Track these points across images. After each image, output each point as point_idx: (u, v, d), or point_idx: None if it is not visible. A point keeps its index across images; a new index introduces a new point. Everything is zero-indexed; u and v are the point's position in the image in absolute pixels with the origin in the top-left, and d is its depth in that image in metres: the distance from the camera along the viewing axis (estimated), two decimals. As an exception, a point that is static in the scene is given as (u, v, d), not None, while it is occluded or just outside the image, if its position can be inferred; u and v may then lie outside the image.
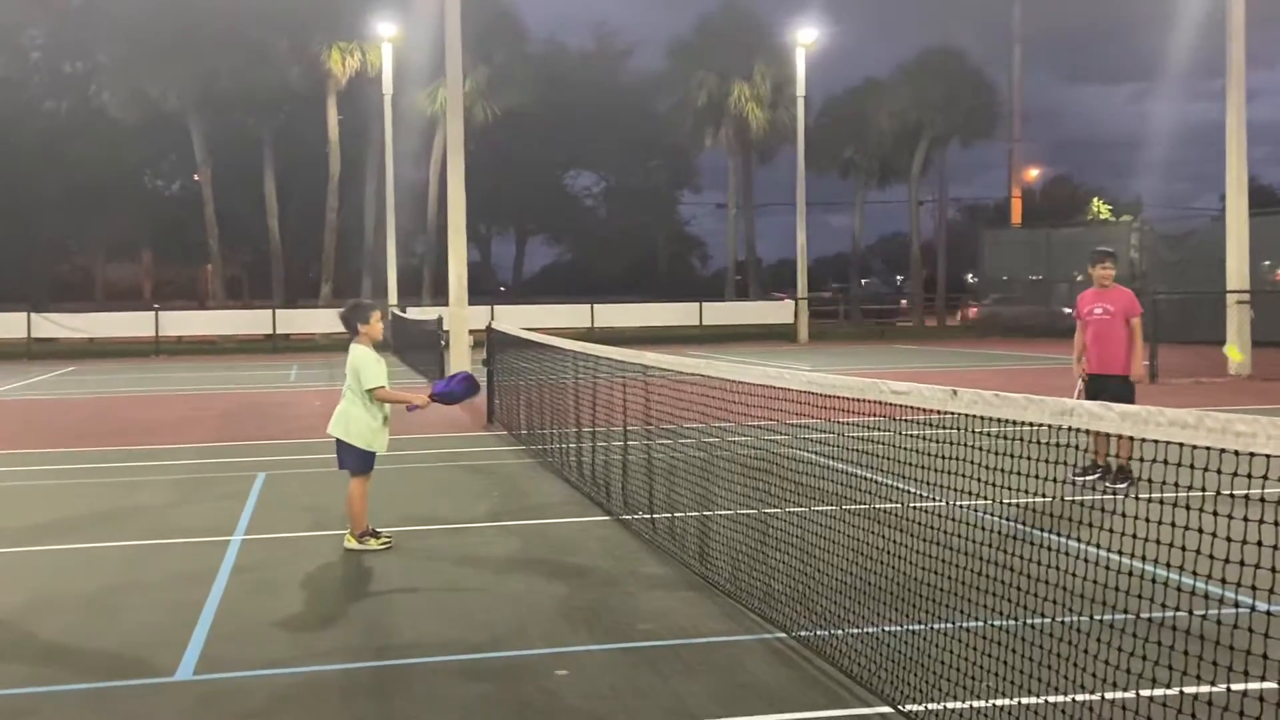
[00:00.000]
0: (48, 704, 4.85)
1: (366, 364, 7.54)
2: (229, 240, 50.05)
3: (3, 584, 6.88)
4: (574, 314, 39.72)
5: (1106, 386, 9.22)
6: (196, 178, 47.32)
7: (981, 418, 4.06)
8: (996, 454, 4.44)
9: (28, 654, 5.51)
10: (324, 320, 37.02)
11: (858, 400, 4.96)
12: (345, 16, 40.19)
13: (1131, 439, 3.94)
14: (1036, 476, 4.22)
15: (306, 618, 6.12)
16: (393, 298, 37.14)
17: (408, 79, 40.02)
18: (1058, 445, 4.09)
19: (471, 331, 19.34)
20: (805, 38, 39.71)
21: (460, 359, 18.74)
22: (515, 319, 29.33)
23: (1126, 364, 9.45)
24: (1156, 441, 3.20)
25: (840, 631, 5.20)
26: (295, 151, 47.70)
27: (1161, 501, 3.45)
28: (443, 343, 19.80)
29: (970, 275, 57.40)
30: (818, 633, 5.32)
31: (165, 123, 44.59)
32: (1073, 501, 4.61)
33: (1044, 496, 4.30)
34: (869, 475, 5.78)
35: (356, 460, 7.55)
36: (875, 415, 5.12)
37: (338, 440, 7.59)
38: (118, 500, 9.76)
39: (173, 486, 10.46)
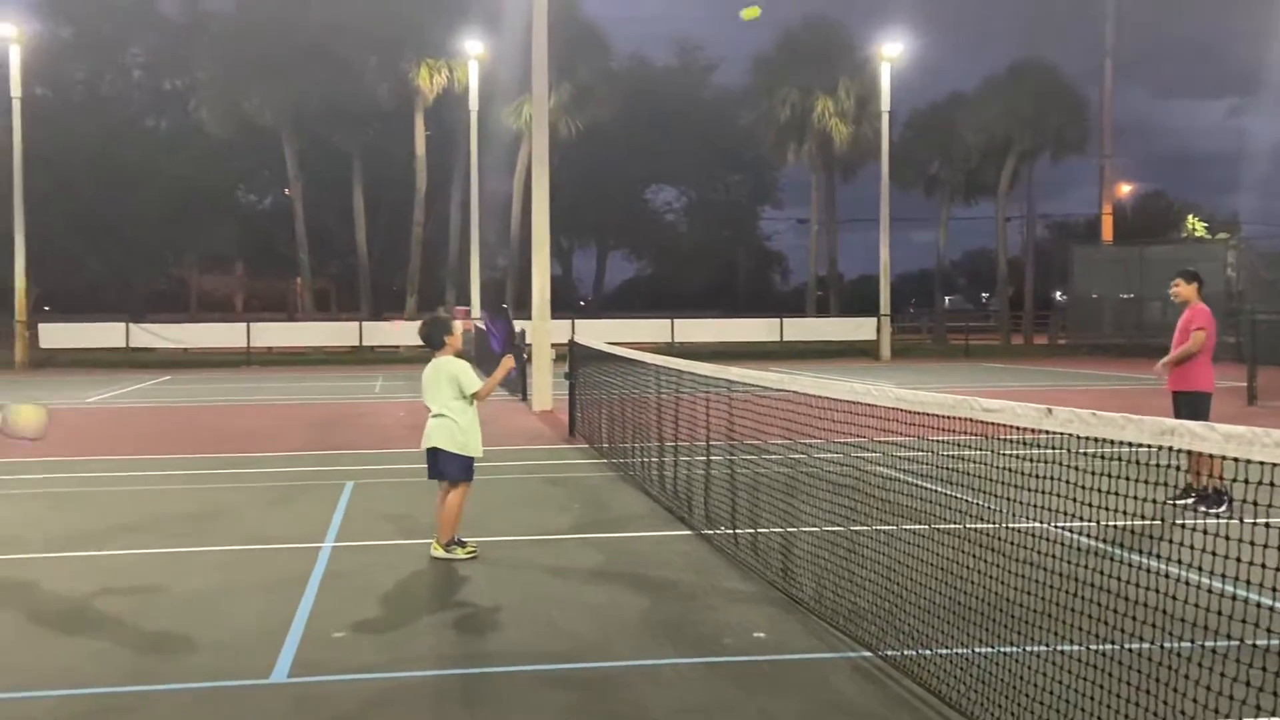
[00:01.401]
0: (148, 702, 4.99)
1: (465, 371, 7.71)
2: (318, 254, 51.07)
3: (106, 585, 7.08)
4: (654, 328, 39.78)
5: (1176, 403, 9.16)
6: (288, 192, 48.37)
7: (1077, 437, 3.99)
8: (1093, 474, 4.36)
9: (129, 653, 5.66)
10: (409, 332, 37.55)
11: (947, 418, 4.91)
12: (433, 34, 40.85)
13: (1222, 459, 3.85)
14: (1135, 497, 4.14)
15: (396, 624, 6.20)
16: (475, 311, 37.55)
17: (493, 94, 40.52)
18: (1157, 466, 4.01)
19: (553, 345, 19.47)
20: (890, 52, 39.40)
21: (543, 372, 18.88)
22: (596, 333, 29.44)
23: (1196, 381, 9.30)
24: (1262, 464, 3.12)
25: (929, 652, 5.14)
26: (383, 167, 48.50)
27: (1267, 525, 3.36)
28: (524, 355, 19.96)
29: (1059, 293, 56.39)
30: (905, 652, 5.26)
31: (259, 139, 45.67)
32: (1173, 524, 4.48)
33: (1143, 518, 4.21)
34: (959, 494, 5.72)
35: (461, 469, 7.68)
36: (965, 433, 5.06)
37: (437, 452, 7.65)
38: (213, 506, 10.00)
39: (265, 493, 10.68)
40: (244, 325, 38.64)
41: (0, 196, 37.07)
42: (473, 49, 38.11)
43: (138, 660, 5.54)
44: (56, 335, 37.18)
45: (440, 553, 7.61)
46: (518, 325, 22.63)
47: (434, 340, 7.84)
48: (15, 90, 34.60)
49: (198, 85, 46.35)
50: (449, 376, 7.68)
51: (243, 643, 5.78)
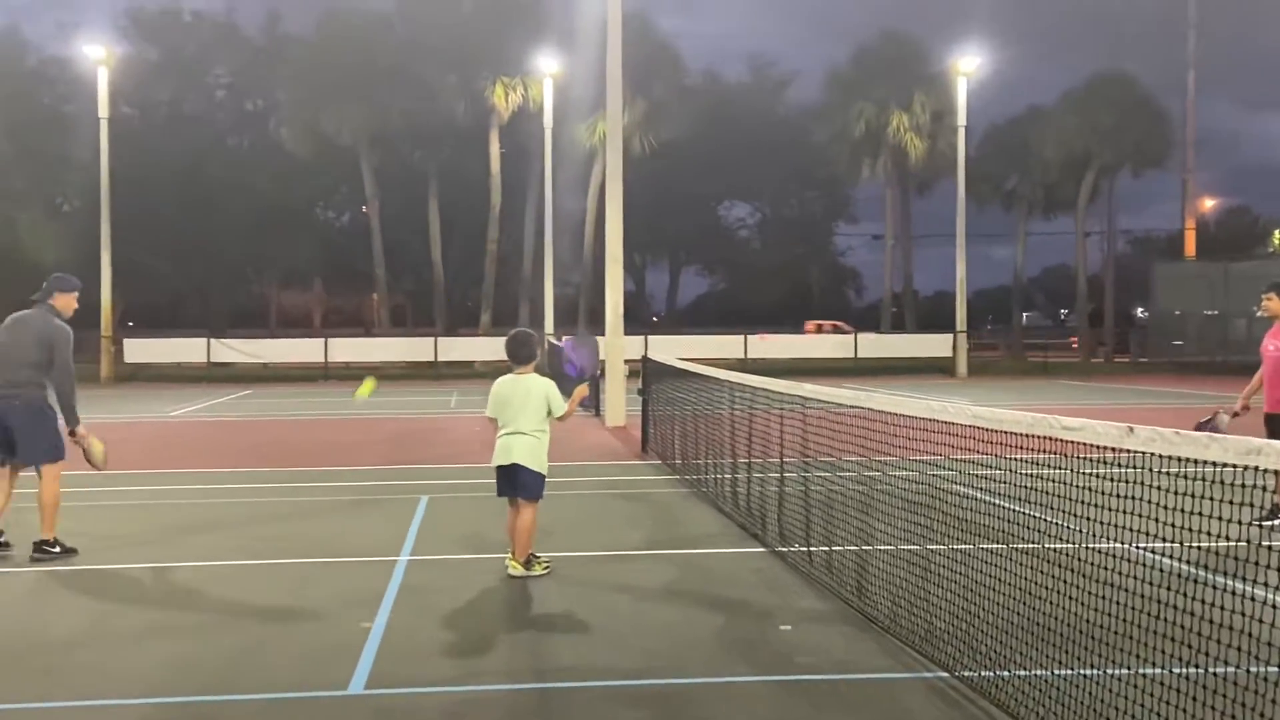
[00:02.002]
0: (228, 711, 5.09)
1: (555, 390, 7.76)
2: (394, 270, 51.84)
3: (187, 596, 7.25)
4: (727, 344, 39.72)
5: (1271, 426, 8.89)
6: (365, 210, 49.17)
7: (1161, 456, 3.92)
8: (1176, 494, 4.27)
9: (210, 663, 5.77)
10: (483, 348, 37.95)
11: (1026, 436, 4.85)
12: (509, 53, 41.31)
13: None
14: (1219, 518, 4.05)
15: (470, 638, 6.26)
16: (549, 326, 37.79)
17: (567, 111, 40.84)
18: (1242, 486, 3.93)
19: (626, 361, 19.53)
20: (966, 65, 39.01)
21: (616, 388, 18.94)
22: (668, 349, 29.47)
23: None
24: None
25: (1007, 673, 5.06)
26: (459, 184, 49.11)
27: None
28: (598, 371, 20.05)
29: (1140, 309, 55.33)
30: (983, 673, 5.19)
31: (338, 157, 46.50)
32: (1259, 545, 4.36)
33: (1228, 539, 4.12)
34: (1038, 513, 5.63)
35: (539, 486, 7.71)
36: (1044, 452, 4.98)
37: (519, 469, 7.63)
38: (293, 519, 10.18)
39: (342, 506, 10.84)
40: (322, 340, 39.30)
41: (88, 214, 38.18)
42: (547, 67, 38.47)
43: (218, 670, 5.65)
44: (141, 350, 38.13)
45: (519, 570, 7.62)
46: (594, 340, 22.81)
47: (523, 356, 7.85)
48: (103, 111, 35.61)
49: (278, 105, 47.40)
50: (541, 396, 7.68)
51: (321, 654, 5.87)
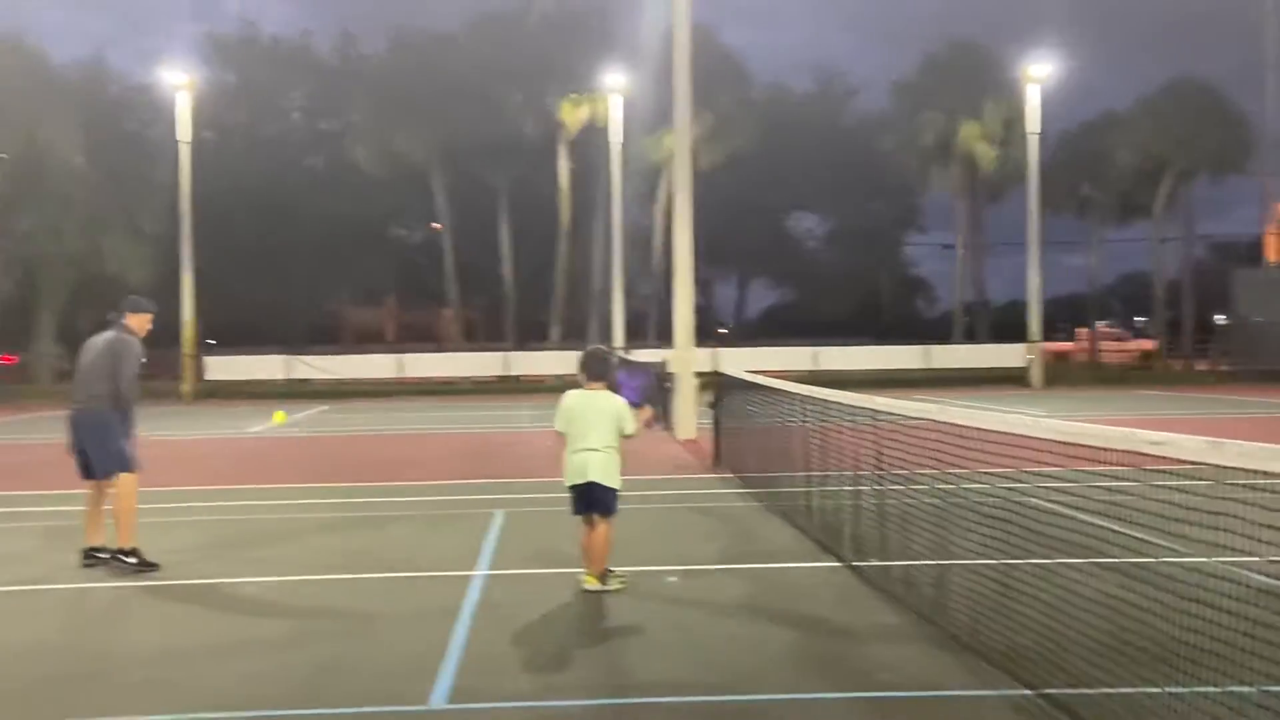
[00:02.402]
0: (315, 725, 5.18)
1: (627, 410, 7.79)
2: (465, 285, 52.42)
3: (266, 610, 7.39)
4: (796, 356, 39.60)
5: None
6: (437, 227, 49.81)
7: (1249, 471, 3.85)
8: (1265, 509, 4.18)
9: (289, 676, 5.88)
10: (554, 362, 38.20)
11: (1106, 449, 4.78)
12: (576, 69, 41.67)
13: None
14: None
15: (549, 653, 6.30)
16: (619, 340, 37.94)
17: (634, 126, 41.03)
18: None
19: (696, 374, 19.53)
20: (1037, 72, 38.54)
21: (686, 401, 18.94)
22: (737, 361, 29.42)
23: None
24: None
25: (1093, 691, 4.99)
26: (528, 199, 49.56)
27: None
28: (668, 385, 20.08)
29: (1219, 317, 54.10)
30: (1068, 691, 5.11)
31: (409, 175, 47.21)
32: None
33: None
34: (1121, 529, 5.54)
35: (615, 502, 7.75)
36: (1125, 465, 4.91)
37: (595, 487, 7.66)
38: (370, 533, 10.33)
39: (418, 522, 10.97)
40: (395, 357, 39.83)
41: (169, 236, 39.10)
42: (614, 82, 38.69)
43: (300, 683, 5.75)
44: (221, 367, 38.96)
45: (595, 585, 7.65)
46: (659, 355, 22.86)
47: (600, 373, 7.90)
48: (184, 135, 36.47)
49: (352, 126, 48.19)
50: (613, 414, 7.73)
51: (400, 668, 5.95)
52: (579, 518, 7.81)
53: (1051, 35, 45.88)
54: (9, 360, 39.78)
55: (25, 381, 41.47)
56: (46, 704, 5.53)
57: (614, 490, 7.72)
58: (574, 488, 7.76)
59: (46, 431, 22.24)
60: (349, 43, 53.93)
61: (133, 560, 8.49)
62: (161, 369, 35.60)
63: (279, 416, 10.05)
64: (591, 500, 7.71)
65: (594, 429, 7.70)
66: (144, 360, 8.78)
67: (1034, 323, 38.50)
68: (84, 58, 47.79)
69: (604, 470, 7.67)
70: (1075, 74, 43.40)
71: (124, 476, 8.57)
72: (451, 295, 48.36)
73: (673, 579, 7.62)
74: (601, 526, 7.71)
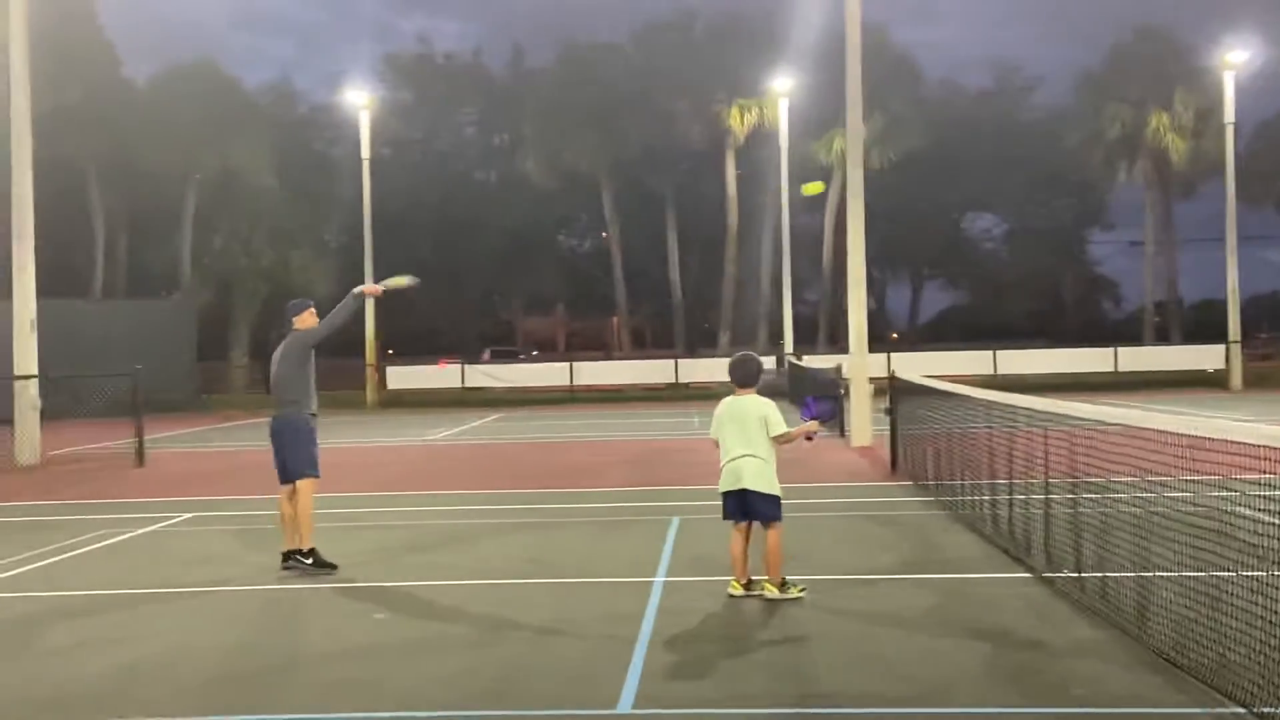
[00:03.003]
0: (502, 726, 5.25)
1: (776, 411, 7.66)
2: (634, 293, 52.90)
3: (451, 613, 7.53)
4: (975, 360, 38.50)
5: None
6: (605, 235, 50.44)
7: None
8: None
9: (477, 679, 5.98)
10: (722, 368, 37.93)
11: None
12: (742, 74, 41.58)
13: None
14: None
15: (731, 660, 6.24)
16: (789, 346, 37.63)
17: (802, 128, 40.67)
18: None
19: (871, 379, 19.17)
20: (1233, 59, 36.56)
21: (862, 407, 18.62)
22: (913, 366, 28.77)
23: None
24: None
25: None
26: (695, 206, 49.69)
27: None
28: (842, 390, 19.77)
29: None
30: (1287, 712, 4.78)
31: (578, 185, 47.94)
32: None
33: None
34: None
35: (776, 508, 7.63)
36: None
37: (748, 494, 7.61)
38: (549, 539, 10.46)
39: (595, 527, 11.06)
40: (567, 364, 40.45)
41: (352, 249, 40.70)
42: (782, 86, 38.42)
43: (486, 686, 5.84)
44: (402, 377, 40.26)
45: (775, 593, 7.54)
46: (837, 359, 22.54)
47: (748, 379, 7.83)
48: (365, 152, 37.87)
49: (523, 139, 49.21)
50: (760, 417, 7.62)
51: (586, 673, 5.99)
52: (732, 527, 7.74)
53: (1247, 19, 43.43)
54: (447, 364, 41.61)
55: (222, 391, 43.74)
56: (236, 699, 5.76)
57: (771, 496, 7.59)
58: (727, 494, 7.72)
59: (242, 439, 23.39)
60: (519, 58, 55.19)
61: (309, 561, 8.79)
62: (345, 379, 37.06)
63: (814, 187, 10.54)
64: (748, 508, 7.63)
65: (744, 435, 7.63)
66: (314, 346, 9.07)
67: (1232, 322, 36.51)
68: (272, 80, 50.33)
69: (757, 476, 7.57)
70: (1274, 60, 41.01)
71: (305, 480, 8.89)
72: (620, 303, 48.85)
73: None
74: (769, 535, 7.61)
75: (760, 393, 7.86)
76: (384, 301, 34.08)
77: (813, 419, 7.97)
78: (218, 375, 44.73)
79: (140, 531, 11.36)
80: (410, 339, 64.67)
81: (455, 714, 5.38)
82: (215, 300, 44.42)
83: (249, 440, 22.71)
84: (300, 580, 8.63)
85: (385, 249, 43.06)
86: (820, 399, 8.35)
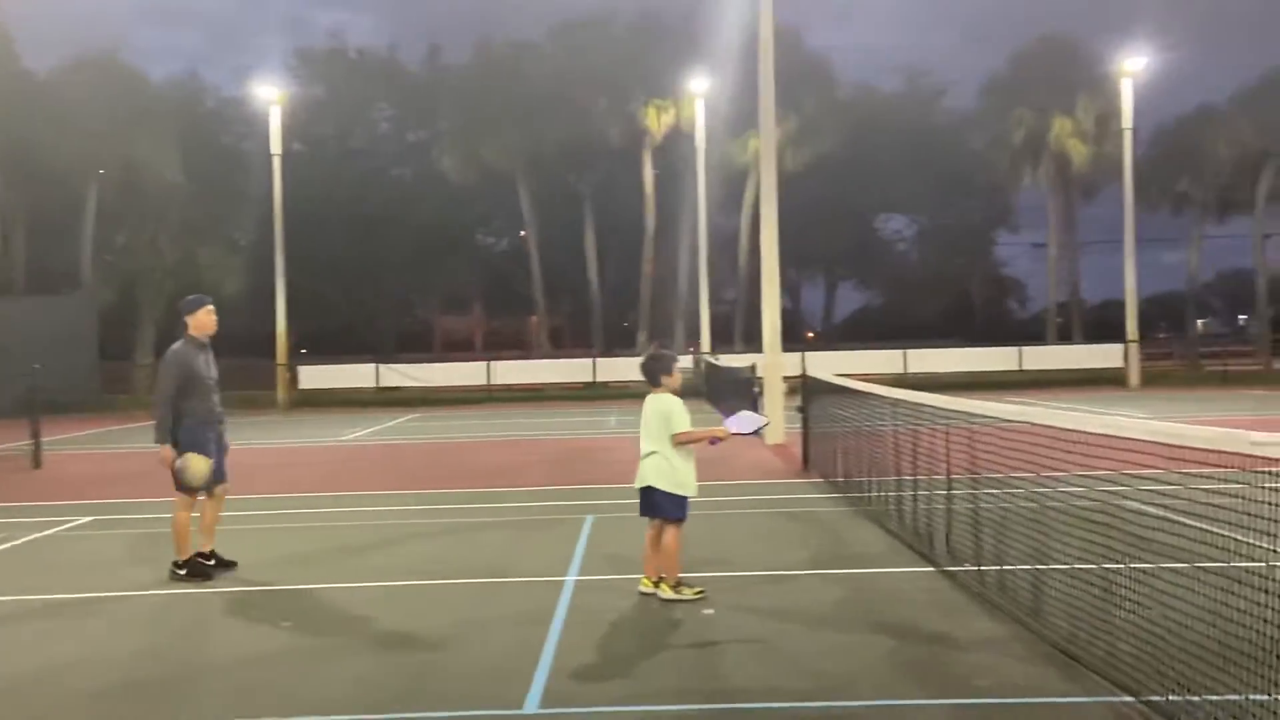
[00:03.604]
0: (411, 727, 5.25)
1: (678, 409, 7.65)
2: (552, 292, 52.80)
3: (363, 616, 7.49)
4: (887, 359, 39.15)
5: None
6: (523, 234, 50.29)
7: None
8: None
9: (386, 681, 5.97)
10: (639, 368, 38.15)
11: (1210, 451, 4.65)
12: (660, 74, 41.76)
13: None
14: None
15: (640, 659, 6.31)
16: (705, 345, 37.89)
17: (719, 129, 40.97)
18: None
19: (785, 378, 19.41)
20: (1131, 66, 37.68)
21: (775, 405, 18.85)
22: (826, 365, 29.10)
23: None
24: None
25: (1197, 698, 4.85)
26: (613, 206, 49.78)
27: None
28: (756, 389, 19.99)
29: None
30: (1171, 698, 4.98)
31: (496, 183, 47.73)
32: None
33: None
34: (1225, 531, 5.37)
35: (677, 507, 7.64)
36: (1229, 468, 4.76)
37: (651, 490, 7.66)
38: (462, 539, 10.44)
39: (509, 527, 11.06)
40: (484, 363, 40.27)
41: (263, 247, 40.04)
42: (699, 87, 38.69)
43: (394, 689, 5.83)
44: (314, 376, 39.71)
45: (670, 594, 7.58)
46: (752, 359, 22.76)
47: (653, 375, 7.83)
48: (276, 148, 37.30)
49: (439, 135, 48.85)
50: (661, 415, 7.65)
51: (495, 673, 6.01)
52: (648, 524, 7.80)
53: (1145, 28, 44.77)
54: None
55: (126, 392, 42.76)
56: (132, 709, 5.67)
57: (672, 495, 7.61)
58: (640, 490, 7.77)
59: (145, 440, 22.92)
60: (435, 54, 54.72)
61: (182, 572, 8.55)
62: (256, 379, 36.46)
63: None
64: (651, 505, 7.69)
65: (650, 432, 7.69)
66: (192, 366, 8.53)
67: (1131, 322, 37.62)
68: (178, 74, 49.29)
69: (657, 474, 7.63)
70: (1170, 67, 42.34)
71: (180, 495, 8.58)
72: (539, 302, 48.75)
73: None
74: (665, 533, 7.65)
75: (681, 392, 7.91)
76: (296, 299, 33.57)
77: (731, 431, 7.93)
78: (121, 375, 43.68)
79: (34, 536, 11.07)
80: (323, 338, 63.82)
81: (362, 718, 5.37)
82: (119, 298, 43.35)
83: (152, 442, 22.19)
84: (205, 585, 8.48)
85: (298, 246, 42.46)
86: (744, 421, 8.16)
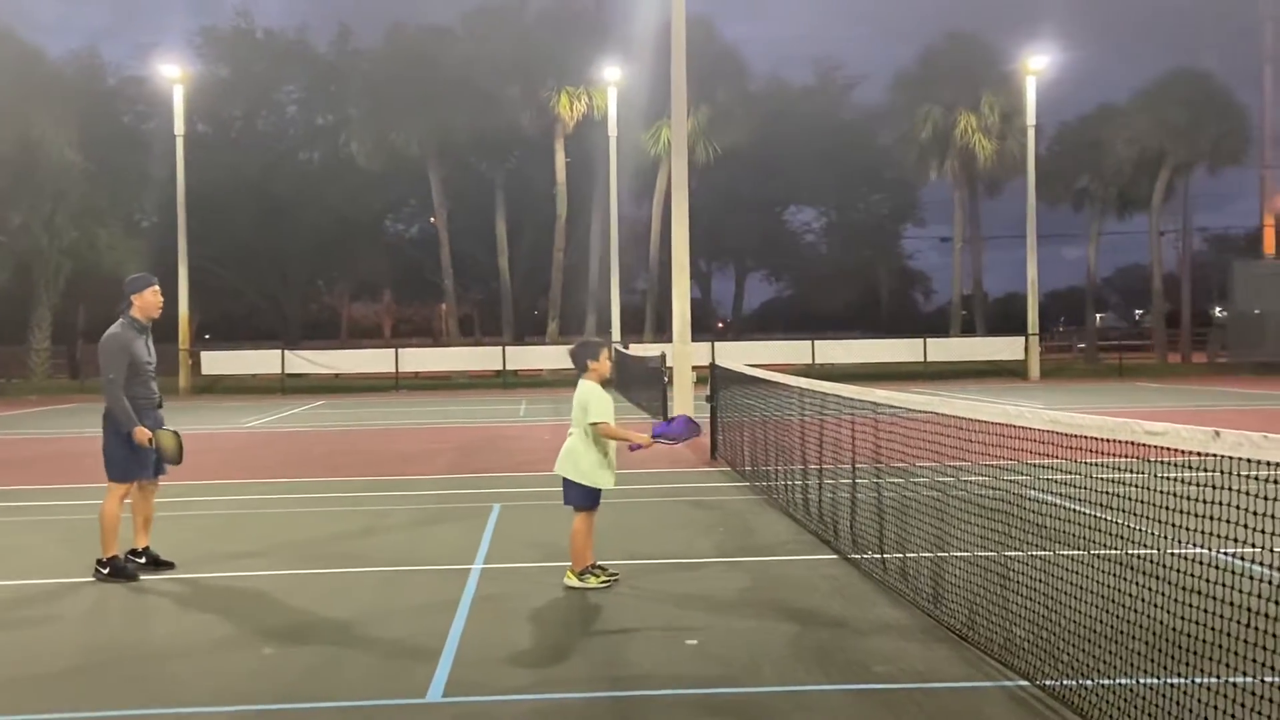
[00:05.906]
0: (310, 719, 5.16)
1: (594, 398, 7.60)
2: (462, 280, 52.34)
3: (266, 605, 7.36)
4: (795, 350, 39.56)
5: None
6: (433, 221, 49.71)
7: (1249, 460, 3.83)
8: (1266, 499, 4.16)
9: (287, 671, 5.86)
10: (551, 356, 38.16)
11: (1105, 441, 4.77)
12: (573, 63, 41.58)
13: None
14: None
15: (544, 647, 6.29)
16: (616, 334, 37.91)
17: (631, 119, 40.94)
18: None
19: (694, 368, 19.51)
20: (1035, 65, 38.53)
21: (684, 395, 18.93)
22: (736, 355, 29.39)
23: None
24: None
25: (1090, 681, 4.98)
26: (525, 194, 49.47)
27: None
28: (665, 379, 20.06)
29: (1218, 309, 54.18)
30: (1065, 682, 5.10)
31: (406, 169, 47.07)
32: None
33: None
34: (1119, 519, 5.52)
35: (582, 496, 7.62)
36: (1124, 457, 4.89)
37: (564, 478, 7.67)
38: (367, 528, 10.30)
39: (416, 516, 10.94)
40: (392, 351, 39.80)
41: (165, 229, 39.05)
42: (611, 75, 38.62)
43: (295, 677, 5.73)
44: (217, 362, 38.90)
45: (574, 582, 7.56)
46: (659, 349, 22.84)
47: (578, 362, 7.79)
48: (179, 128, 36.40)
49: (349, 119, 48.05)
50: (579, 403, 7.63)
51: (398, 662, 5.93)
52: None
53: (1049, 28, 45.81)
54: None
55: (22, 376, 41.43)
56: (24, 700, 5.49)
57: (576, 484, 7.58)
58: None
59: (42, 425, 22.21)
60: (344, 37, 53.74)
61: (105, 570, 8.12)
62: (158, 365, 35.57)
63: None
64: (565, 493, 7.70)
65: (574, 419, 7.68)
66: (133, 349, 8.18)
67: (1032, 315, 38.52)
68: (79, 50, 47.69)
69: (565, 461, 7.63)
70: (1073, 67, 43.51)
71: (112, 485, 8.21)
72: (448, 289, 48.27)
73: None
74: (574, 521, 7.65)
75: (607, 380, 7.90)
76: (200, 284, 32.92)
77: (658, 436, 7.83)
78: (17, 359, 42.33)
79: (-75, 525, 10.68)
80: (228, 323, 62.57)
81: (261, 708, 5.26)
82: (14, 281, 41.92)
83: (49, 427, 21.62)
84: (111, 579, 8.23)
85: (203, 229, 41.54)
86: (680, 431, 8.06)
